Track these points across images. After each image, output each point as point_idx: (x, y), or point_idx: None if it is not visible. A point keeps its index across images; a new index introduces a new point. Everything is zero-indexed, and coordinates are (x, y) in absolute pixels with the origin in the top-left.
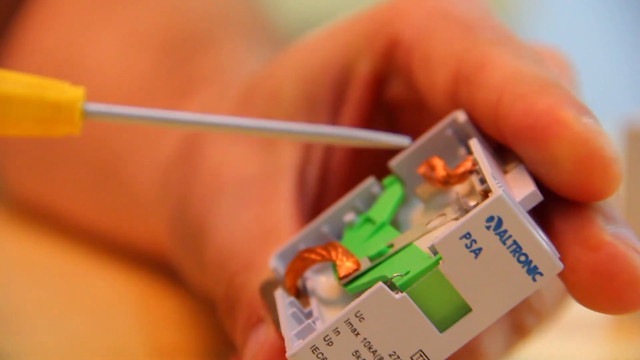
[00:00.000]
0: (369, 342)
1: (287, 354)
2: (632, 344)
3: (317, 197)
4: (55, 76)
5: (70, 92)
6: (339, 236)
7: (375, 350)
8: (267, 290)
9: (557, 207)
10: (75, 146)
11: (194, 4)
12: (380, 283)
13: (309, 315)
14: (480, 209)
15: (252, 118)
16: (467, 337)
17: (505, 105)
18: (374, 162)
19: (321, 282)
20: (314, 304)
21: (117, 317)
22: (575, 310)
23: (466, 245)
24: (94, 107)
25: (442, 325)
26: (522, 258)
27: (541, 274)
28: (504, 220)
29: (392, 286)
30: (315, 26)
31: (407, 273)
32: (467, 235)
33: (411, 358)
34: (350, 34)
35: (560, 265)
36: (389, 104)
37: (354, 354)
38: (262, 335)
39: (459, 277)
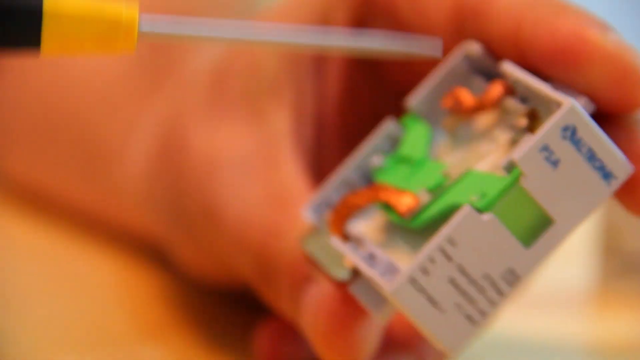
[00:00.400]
0: (463, 266)
1: (388, 290)
2: (615, 319)
3: (316, 153)
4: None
5: (126, 10)
6: (370, 180)
7: (469, 275)
8: (308, 240)
9: (598, 123)
10: (60, 128)
11: None
12: (467, 206)
13: (373, 257)
14: (555, 120)
15: (296, 29)
16: (551, 248)
17: (526, 32)
18: (366, 111)
19: (364, 226)
20: (370, 246)
21: (101, 297)
22: (560, 286)
23: (545, 158)
24: (150, 24)
25: (527, 240)
26: (597, 164)
27: (615, 178)
28: (578, 128)
29: (474, 209)
30: None
31: (484, 195)
32: (545, 148)
33: (502, 277)
34: None
35: (631, 166)
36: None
37: (450, 281)
38: (316, 292)
39: (540, 190)
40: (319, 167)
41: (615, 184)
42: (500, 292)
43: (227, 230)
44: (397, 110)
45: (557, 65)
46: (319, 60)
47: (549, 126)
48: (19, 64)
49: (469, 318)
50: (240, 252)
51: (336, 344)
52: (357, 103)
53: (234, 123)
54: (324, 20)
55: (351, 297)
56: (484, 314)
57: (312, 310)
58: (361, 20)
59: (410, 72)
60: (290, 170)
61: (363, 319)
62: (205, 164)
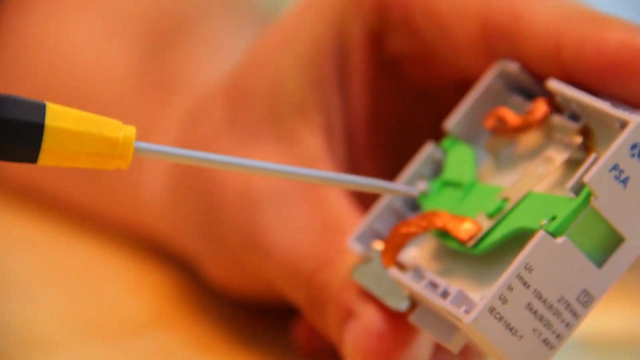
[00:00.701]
0: (539, 292)
1: (467, 321)
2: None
3: (351, 172)
4: (27, 57)
5: (125, 130)
6: (415, 207)
7: (546, 299)
8: (361, 271)
9: None
10: None
11: None
12: (542, 231)
13: (435, 286)
14: (624, 138)
15: (296, 166)
16: (624, 267)
17: (569, 50)
18: (393, 117)
19: (417, 254)
20: (429, 275)
21: (117, 290)
22: None
23: (615, 177)
24: (145, 145)
25: (599, 260)
26: None
27: None
28: None
29: (548, 233)
30: None
31: (554, 218)
32: (615, 167)
33: (577, 299)
34: (333, 2)
35: None
36: (393, 58)
37: (528, 307)
38: (356, 330)
39: (612, 210)
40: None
41: None
42: (575, 315)
43: (274, 260)
44: (422, 112)
45: (608, 81)
46: (342, 75)
47: (618, 145)
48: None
49: (546, 342)
50: (289, 280)
51: None
52: (383, 111)
53: (264, 148)
54: (340, 33)
55: (392, 332)
56: (560, 337)
57: (350, 344)
58: (378, 36)
59: (430, 73)
60: (334, 195)
61: (401, 354)
62: (241, 193)
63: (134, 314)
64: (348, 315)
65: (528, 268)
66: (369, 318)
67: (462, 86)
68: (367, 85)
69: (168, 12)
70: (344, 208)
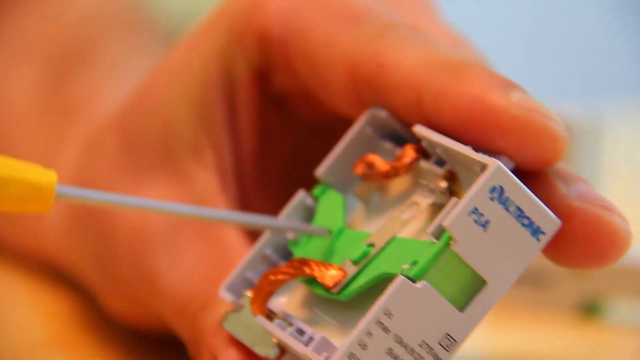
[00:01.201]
0: (400, 337)
1: None
2: (510, 333)
3: (242, 209)
4: None
5: (45, 175)
6: (285, 255)
7: (407, 344)
8: (231, 320)
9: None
10: None
11: (75, 11)
12: (401, 276)
13: (301, 332)
14: (483, 182)
15: (196, 206)
16: (485, 309)
17: (428, 104)
18: (283, 152)
19: (286, 302)
20: (296, 322)
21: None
22: None
23: (475, 220)
24: (66, 189)
25: (461, 303)
26: (526, 221)
27: (544, 233)
28: (505, 188)
29: (408, 278)
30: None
31: (415, 262)
32: (475, 210)
33: (439, 343)
34: (219, 40)
35: (559, 222)
36: (279, 96)
37: (388, 352)
38: None
39: (472, 254)
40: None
41: (545, 239)
42: (438, 359)
43: (165, 298)
44: (315, 148)
45: (465, 134)
46: (231, 112)
47: (477, 188)
48: None
49: None
50: (177, 319)
51: None
52: (273, 148)
53: (156, 186)
54: (227, 70)
55: None
56: None
57: None
58: (263, 73)
59: (317, 111)
60: (228, 235)
61: None
62: (135, 230)
63: (33, 339)
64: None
65: (387, 313)
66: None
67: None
68: (256, 123)
69: (70, 37)
70: (238, 248)
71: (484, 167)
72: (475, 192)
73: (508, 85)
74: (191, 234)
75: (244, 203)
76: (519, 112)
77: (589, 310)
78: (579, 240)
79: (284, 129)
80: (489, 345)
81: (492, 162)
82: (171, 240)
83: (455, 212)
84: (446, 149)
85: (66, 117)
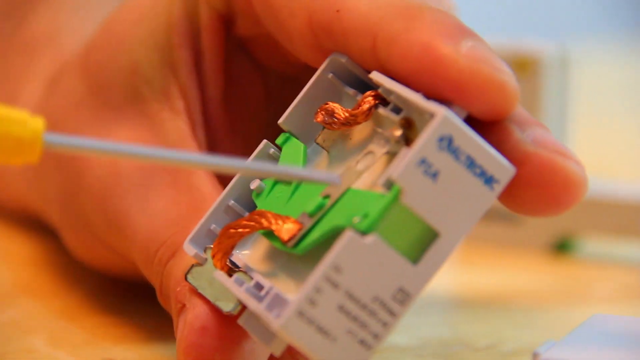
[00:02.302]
0: (351, 292)
1: (275, 327)
2: (482, 270)
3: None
4: None
5: (31, 124)
6: (250, 206)
7: (359, 299)
8: (195, 273)
9: (471, 123)
10: None
11: None
12: (349, 231)
13: (259, 287)
14: (430, 132)
15: (199, 153)
16: (440, 262)
17: (381, 50)
18: (251, 99)
19: (249, 255)
20: (256, 276)
21: None
22: None
23: (424, 172)
24: (54, 137)
25: (414, 256)
26: (478, 171)
27: (497, 182)
28: (455, 137)
29: (357, 231)
30: None
31: (365, 215)
32: (423, 161)
33: (393, 297)
34: None
35: (513, 169)
36: (245, 42)
37: (339, 308)
38: (182, 322)
39: (422, 205)
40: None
41: (499, 188)
42: (392, 313)
43: (135, 243)
44: (285, 96)
45: (415, 82)
46: (197, 59)
47: (424, 139)
48: None
49: (363, 343)
50: (146, 265)
51: None
52: (240, 95)
53: (127, 130)
54: (190, 15)
55: (217, 329)
56: (377, 337)
57: (178, 340)
58: (226, 18)
59: (282, 59)
60: (201, 181)
61: (227, 352)
62: (105, 174)
63: (2, 282)
64: (181, 308)
65: (336, 269)
66: (194, 313)
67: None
68: (221, 68)
69: None
70: (210, 194)
71: (432, 116)
72: (422, 142)
73: (459, 33)
74: (163, 179)
75: (213, 149)
76: (466, 64)
77: (561, 246)
78: (532, 186)
79: (254, 77)
80: (460, 283)
81: (439, 112)
82: (142, 185)
83: (402, 164)
84: (399, 97)
85: (28, 55)
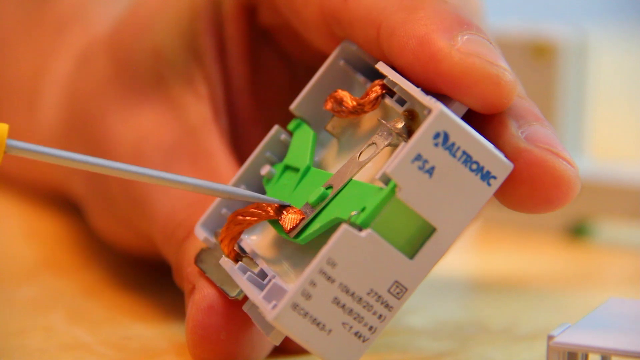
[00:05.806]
0: (346, 286)
1: (269, 318)
2: (498, 254)
3: (235, 143)
4: None
5: None
6: (260, 192)
7: (354, 293)
8: (204, 256)
9: (469, 117)
10: None
11: None
12: (343, 225)
13: (262, 275)
14: (425, 128)
15: (172, 174)
16: (437, 256)
17: (384, 41)
18: (275, 87)
19: (257, 241)
20: (261, 264)
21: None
22: None
23: (419, 167)
24: (17, 144)
25: (410, 251)
26: (474, 166)
27: (495, 177)
28: (450, 133)
29: (353, 225)
30: None
31: (363, 209)
32: (418, 157)
33: (389, 291)
34: None
35: (510, 165)
36: (267, 31)
37: (334, 301)
38: (191, 301)
39: (418, 200)
40: (240, 157)
41: (496, 183)
42: (388, 306)
43: (155, 222)
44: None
45: (415, 74)
46: (221, 47)
47: (419, 135)
48: None
49: (358, 335)
50: (165, 244)
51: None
52: (263, 81)
53: (152, 111)
54: (215, 5)
55: (224, 310)
56: (373, 329)
57: (186, 319)
58: (249, 8)
59: (303, 47)
60: (222, 161)
61: (234, 333)
62: (128, 154)
63: (24, 260)
64: (192, 289)
65: (331, 263)
66: (202, 294)
67: None
68: (245, 56)
69: None
70: (229, 176)
71: (429, 111)
72: (417, 138)
73: (456, 26)
74: (184, 160)
75: (237, 136)
76: (459, 58)
77: (577, 230)
78: (523, 182)
79: (278, 66)
80: (476, 267)
81: (435, 107)
82: (163, 165)
83: (397, 159)
84: (400, 89)
85: (56, 31)
